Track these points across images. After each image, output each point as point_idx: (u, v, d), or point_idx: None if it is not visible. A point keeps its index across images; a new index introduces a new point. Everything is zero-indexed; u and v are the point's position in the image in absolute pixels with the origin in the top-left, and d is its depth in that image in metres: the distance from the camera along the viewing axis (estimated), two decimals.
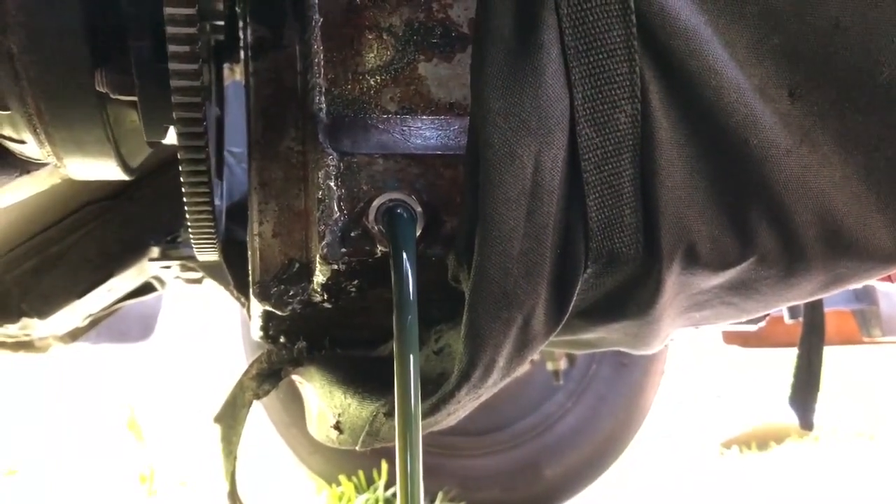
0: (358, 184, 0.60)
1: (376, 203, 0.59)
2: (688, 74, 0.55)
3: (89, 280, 1.40)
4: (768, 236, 0.62)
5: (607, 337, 0.75)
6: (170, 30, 0.59)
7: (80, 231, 1.39)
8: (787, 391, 1.43)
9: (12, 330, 1.42)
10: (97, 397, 2.91)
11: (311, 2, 0.65)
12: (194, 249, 0.88)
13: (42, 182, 0.95)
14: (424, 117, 0.65)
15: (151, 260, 1.41)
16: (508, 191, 0.54)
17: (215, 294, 1.54)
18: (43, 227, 1.36)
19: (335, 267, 0.60)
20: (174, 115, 0.66)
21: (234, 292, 1.04)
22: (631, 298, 0.64)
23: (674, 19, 0.55)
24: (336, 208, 0.60)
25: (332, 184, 0.60)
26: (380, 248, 0.59)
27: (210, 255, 0.91)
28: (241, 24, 0.75)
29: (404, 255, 0.55)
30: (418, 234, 0.59)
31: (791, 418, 1.43)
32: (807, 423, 1.44)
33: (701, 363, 3.78)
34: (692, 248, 0.61)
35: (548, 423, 2.12)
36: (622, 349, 0.80)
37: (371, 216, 0.58)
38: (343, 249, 0.59)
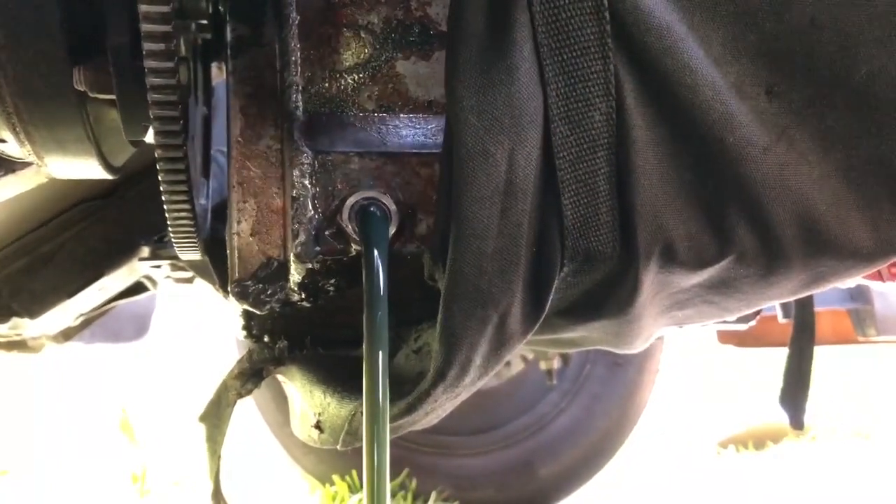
0: (332, 182, 0.60)
1: (350, 201, 0.59)
2: (662, 72, 0.55)
3: (80, 279, 1.40)
4: (746, 235, 0.62)
5: (589, 336, 0.74)
6: (145, 27, 0.59)
7: (70, 230, 1.39)
8: (778, 391, 1.43)
9: (3, 329, 1.42)
10: (90, 397, 2.91)
11: (289, 5, 0.65)
12: (176, 249, 0.88)
13: (27, 181, 0.95)
14: (402, 116, 0.65)
15: (141, 259, 1.41)
16: (482, 189, 0.54)
17: (208, 293, 1.54)
18: (33, 227, 1.36)
19: (310, 266, 0.60)
20: (151, 113, 0.66)
21: (220, 291, 1.04)
22: (609, 297, 0.64)
23: (647, 16, 0.55)
24: (310, 206, 0.59)
25: (306, 182, 0.60)
26: (354, 247, 0.59)
27: (193, 255, 0.91)
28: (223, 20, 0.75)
29: (375, 253, 0.55)
30: (393, 232, 0.59)
31: (785, 418, 1.43)
32: (797, 423, 1.43)
33: (696, 362, 3.78)
34: (669, 246, 0.61)
35: (542, 423, 2.12)
36: (606, 348, 0.80)
37: (345, 215, 0.58)
38: (317, 248, 0.59)
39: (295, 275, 0.62)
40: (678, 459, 3.23)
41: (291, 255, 0.60)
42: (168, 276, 1.52)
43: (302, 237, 0.59)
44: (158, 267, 1.48)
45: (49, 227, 1.37)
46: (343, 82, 0.64)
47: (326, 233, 0.59)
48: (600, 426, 2.17)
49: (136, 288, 1.59)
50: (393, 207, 0.59)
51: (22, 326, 1.42)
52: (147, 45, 0.59)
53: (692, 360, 3.74)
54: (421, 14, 0.66)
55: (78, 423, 2.79)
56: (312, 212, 0.59)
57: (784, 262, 0.65)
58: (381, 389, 0.54)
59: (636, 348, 0.78)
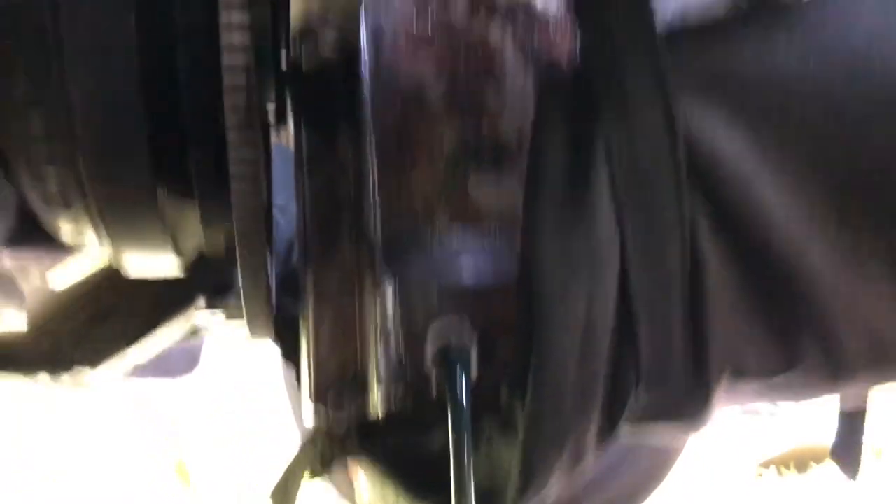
0: (413, 319, 0.62)
1: (430, 334, 0.61)
2: (737, 215, 0.57)
3: (139, 330, 1.44)
4: (815, 353, 0.64)
5: (654, 437, 0.77)
6: (233, 169, 0.61)
7: (128, 285, 1.43)
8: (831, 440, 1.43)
9: (65, 379, 1.46)
10: (143, 438, 2.95)
11: (365, 122, 0.67)
12: (249, 331, 0.91)
13: (98, 261, 0.99)
14: (476, 236, 0.66)
15: (198, 309, 1.45)
16: (561, 332, 0.56)
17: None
18: (93, 282, 1.40)
19: (391, 394, 0.62)
20: (235, 227, 0.69)
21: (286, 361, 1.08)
22: (679, 412, 0.66)
23: (721, 159, 0.57)
24: (391, 337, 0.62)
25: (388, 311, 0.62)
26: (434, 382, 0.61)
27: (265, 337, 0.94)
28: (293, 129, 0.77)
29: (459, 392, 0.57)
30: (474, 368, 0.61)
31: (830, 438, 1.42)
32: (852, 475, 1.43)
33: None
34: (739, 366, 0.63)
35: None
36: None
37: (427, 348, 0.60)
38: (397, 384, 0.62)
39: (373, 398, 0.64)
40: (716, 482, 3.22)
41: (371, 381, 0.63)
42: (223, 323, 1.55)
43: (383, 372, 0.61)
44: (214, 314, 1.52)
45: (108, 283, 1.41)
46: (419, 205, 0.67)
47: (407, 370, 0.61)
48: (646, 456, 2.17)
49: (189, 334, 1.63)
50: (472, 339, 0.61)
51: (83, 376, 1.46)
52: (235, 185, 0.62)
53: None
54: (492, 132, 0.68)
55: (132, 465, 2.83)
56: (394, 348, 0.62)
57: (850, 374, 0.67)
58: None
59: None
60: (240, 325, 1.53)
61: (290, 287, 1.11)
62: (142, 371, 2.03)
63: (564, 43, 0.69)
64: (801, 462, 3.56)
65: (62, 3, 0.63)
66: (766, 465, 3.60)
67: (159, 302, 1.42)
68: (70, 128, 0.66)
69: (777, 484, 3.33)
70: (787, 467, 3.54)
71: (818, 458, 3.55)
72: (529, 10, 0.69)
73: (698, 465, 3.31)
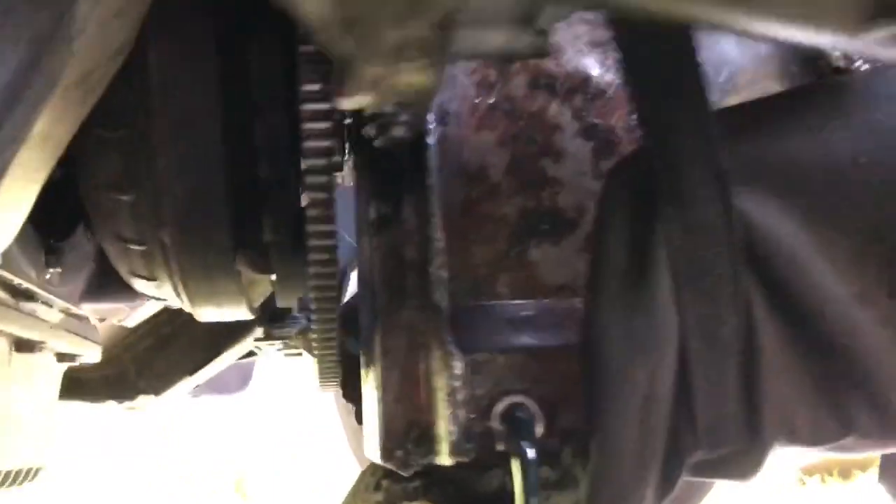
0: (481, 385, 0.66)
1: (499, 406, 0.65)
2: (789, 290, 0.59)
3: (199, 358, 1.50)
4: (868, 420, 0.66)
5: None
6: (311, 242, 0.66)
7: (188, 315, 1.49)
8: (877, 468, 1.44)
9: (130, 406, 1.52)
10: (204, 456, 3.00)
11: (432, 195, 0.71)
12: (319, 383, 0.95)
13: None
14: (536, 302, 0.70)
15: (256, 340, 1.49)
16: (625, 406, 0.59)
17: None
18: (156, 312, 1.46)
19: (462, 458, 0.66)
20: (311, 295, 0.73)
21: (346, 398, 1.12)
22: (732, 469, 0.69)
23: (776, 244, 0.59)
24: (461, 407, 0.65)
25: (456, 384, 0.66)
26: (500, 444, 0.65)
27: (333, 389, 0.99)
28: (362, 196, 0.81)
29: (526, 457, 0.60)
30: (540, 433, 0.64)
31: None
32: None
33: None
34: (793, 431, 0.66)
35: None
36: None
37: (493, 415, 0.64)
38: (468, 445, 0.65)
39: (444, 458, 0.68)
40: (759, 491, 3.21)
41: (441, 444, 0.66)
42: (279, 351, 1.60)
43: (455, 436, 0.65)
44: (272, 345, 1.56)
45: (169, 311, 1.47)
46: (482, 272, 0.70)
47: (476, 432, 0.65)
48: None
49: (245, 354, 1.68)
50: (536, 406, 0.64)
51: (147, 403, 1.52)
52: (313, 256, 0.66)
53: None
54: (550, 204, 0.72)
55: (193, 483, 2.90)
56: (463, 412, 0.65)
57: None
58: None
59: None
60: (296, 353, 1.59)
61: (349, 324, 1.15)
62: (197, 389, 2.10)
63: (620, 114, 0.72)
64: (845, 470, 3.54)
65: (153, 86, 0.68)
66: (809, 472, 3.59)
67: (218, 331, 1.47)
68: (158, 204, 0.70)
69: (820, 491, 3.33)
70: (831, 475, 3.52)
71: (862, 467, 3.52)
72: (587, 85, 0.73)
73: None
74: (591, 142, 0.72)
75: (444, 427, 0.67)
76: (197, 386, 2.00)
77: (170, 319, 1.47)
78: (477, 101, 0.72)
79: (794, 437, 0.66)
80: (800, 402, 0.64)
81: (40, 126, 0.55)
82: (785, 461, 0.76)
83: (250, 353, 1.74)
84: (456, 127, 0.71)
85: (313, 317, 0.76)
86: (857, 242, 0.61)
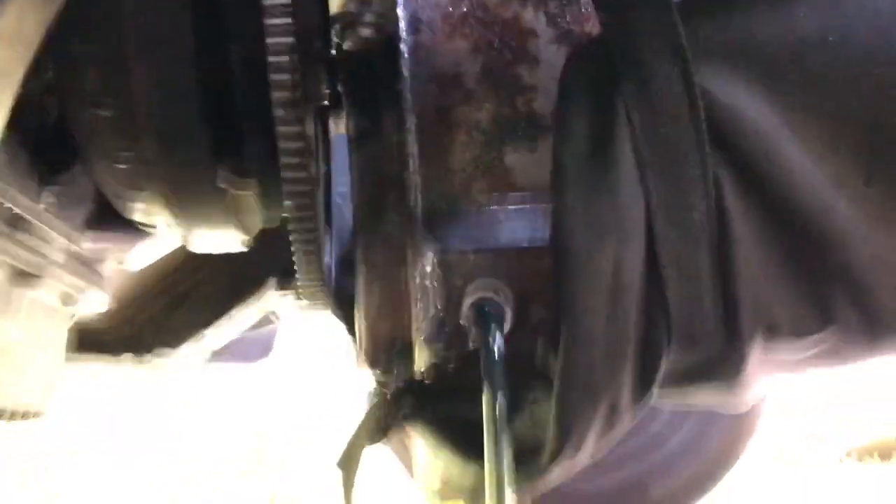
0: (451, 279, 0.65)
1: (467, 301, 0.64)
2: (760, 172, 0.58)
3: (214, 314, 1.52)
4: (849, 312, 0.64)
5: (694, 401, 0.78)
6: (282, 144, 0.66)
7: (203, 270, 1.50)
8: None
9: (148, 361, 1.54)
10: (225, 423, 3.04)
11: (406, 103, 0.71)
12: (305, 298, 0.96)
13: (171, 244, 1.05)
14: (511, 207, 0.69)
15: (269, 291, 1.51)
16: (588, 290, 0.58)
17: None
18: (170, 270, 1.48)
19: (433, 356, 0.66)
20: (287, 205, 0.74)
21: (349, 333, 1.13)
22: (714, 372, 0.67)
23: (744, 121, 0.57)
24: (431, 302, 0.65)
25: (427, 283, 0.65)
26: (472, 341, 0.65)
27: (322, 310, 0.99)
28: (346, 113, 0.81)
29: (493, 350, 0.60)
30: (509, 325, 0.64)
31: None
32: None
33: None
34: (772, 326, 0.64)
35: (655, 443, 2.12)
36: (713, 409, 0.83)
37: (463, 312, 0.64)
38: (439, 342, 0.65)
39: (419, 360, 0.68)
40: (797, 469, 3.15)
41: (416, 344, 0.66)
42: (295, 305, 1.61)
43: (426, 333, 0.65)
44: (286, 296, 1.57)
45: (184, 270, 1.49)
46: (457, 178, 0.70)
47: (446, 328, 0.65)
48: (715, 443, 2.14)
49: (262, 321, 1.70)
50: (508, 303, 0.64)
51: (163, 359, 1.54)
52: (285, 159, 0.67)
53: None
54: (527, 109, 0.71)
55: (214, 449, 2.93)
56: (434, 308, 0.65)
57: (888, 333, 0.66)
58: (504, 484, 0.59)
59: (744, 409, 0.81)
60: (307, 303, 1.60)
61: (349, 268, 1.16)
62: (219, 356, 2.12)
63: (593, 19, 0.71)
64: (885, 451, 3.46)
65: (125, 5, 0.69)
66: (849, 453, 3.51)
67: (232, 286, 1.49)
68: (135, 117, 0.71)
69: (858, 471, 3.25)
70: (871, 455, 3.44)
71: None
72: None
73: (778, 452, 3.26)
74: (566, 48, 0.71)
75: (418, 327, 0.67)
76: (216, 352, 2.03)
77: (184, 277, 1.49)
78: (450, 8, 0.71)
79: (773, 330, 0.64)
80: (777, 293, 0.62)
81: (6, 22, 0.56)
82: (771, 370, 0.73)
83: (266, 322, 1.76)
84: (429, 35, 0.71)
85: (290, 226, 0.76)
86: (828, 122, 0.59)
